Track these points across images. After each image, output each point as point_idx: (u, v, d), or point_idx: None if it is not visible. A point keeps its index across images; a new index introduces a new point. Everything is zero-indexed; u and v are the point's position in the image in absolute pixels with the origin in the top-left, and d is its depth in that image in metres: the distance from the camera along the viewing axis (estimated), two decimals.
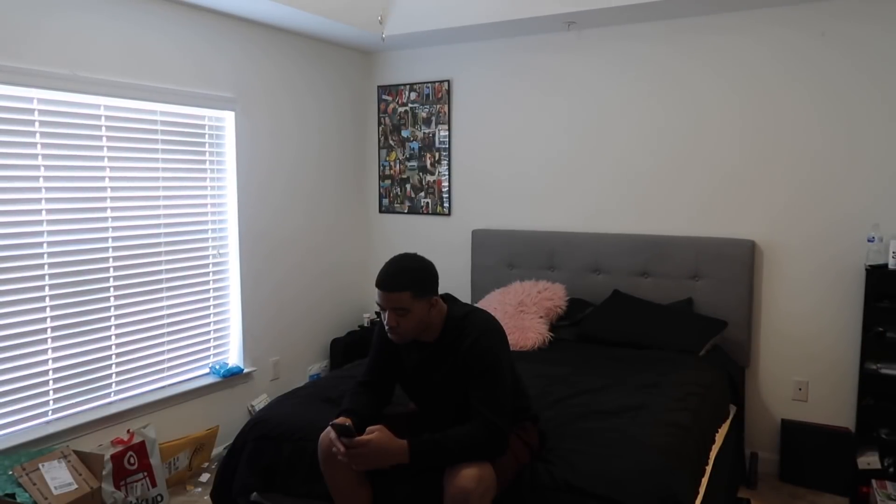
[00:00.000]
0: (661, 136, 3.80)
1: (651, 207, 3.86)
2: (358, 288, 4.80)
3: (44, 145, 2.92)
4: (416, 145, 4.60)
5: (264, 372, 4.03)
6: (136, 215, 3.32)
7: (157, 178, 3.41)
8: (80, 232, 3.08)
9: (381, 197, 4.79)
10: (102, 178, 3.16)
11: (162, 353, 3.50)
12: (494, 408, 1.99)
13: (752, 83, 3.55)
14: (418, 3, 4.01)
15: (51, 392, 3.01)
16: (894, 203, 3.28)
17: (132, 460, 3.08)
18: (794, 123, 3.47)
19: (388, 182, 4.75)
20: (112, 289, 3.23)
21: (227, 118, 3.76)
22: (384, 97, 4.69)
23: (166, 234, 3.48)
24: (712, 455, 2.61)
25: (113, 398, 3.27)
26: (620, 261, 3.86)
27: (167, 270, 3.50)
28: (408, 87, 4.59)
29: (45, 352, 2.98)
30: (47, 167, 2.94)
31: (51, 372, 3.01)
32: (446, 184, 4.51)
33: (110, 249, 3.22)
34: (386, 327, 2.09)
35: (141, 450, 3.12)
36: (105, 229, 3.19)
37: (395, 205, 4.73)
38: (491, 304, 3.77)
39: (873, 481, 3.12)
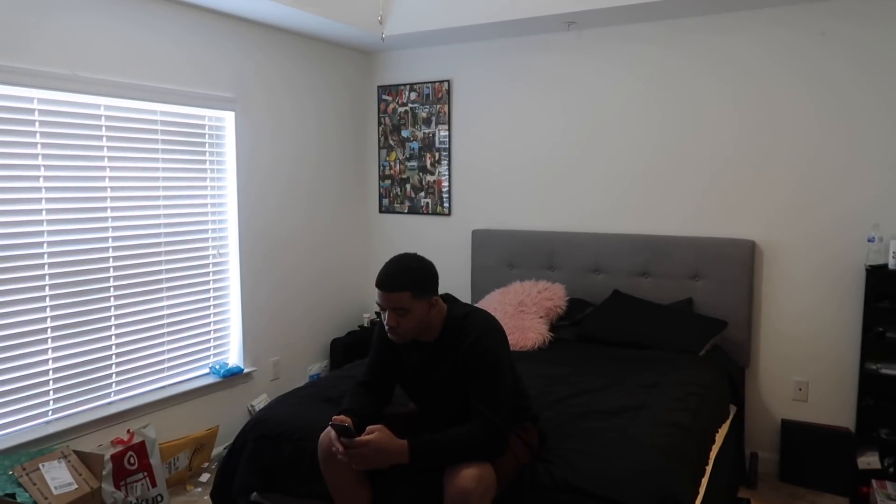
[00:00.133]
0: (661, 136, 3.80)
1: (651, 207, 3.86)
2: (358, 288, 4.80)
3: (44, 145, 2.92)
4: (416, 145, 4.60)
5: (264, 372, 4.03)
6: (136, 215, 3.32)
7: (157, 178, 3.41)
8: (80, 232, 3.08)
9: (381, 197, 4.79)
10: (102, 178, 3.16)
11: (162, 353, 3.50)
12: (494, 408, 1.99)
13: (753, 83, 3.55)
14: (418, 3, 4.01)
15: (51, 392, 3.02)
16: (894, 203, 3.28)
17: (132, 460, 3.08)
18: (793, 123, 3.47)
19: (388, 182, 4.75)
20: (112, 289, 3.23)
21: (227, 118, 3.76)
22: (384, 97, 4.69)
23: (166, 234, 3.48)
24: (712, 455, 2.61)
25: (113, 398, 3.27)
26: (620, 261, 3.86)
27: (167, 270, 3.50)
28: (408, 87, 4.59)
29: (45, 352, 2.98)
30: (47, 167, 2.94)
31: (51, 372, 3.01)
32: (446, 184, 4.51)
33: (110, 249, 3.22)
34: (386, 327, 2.09)
35: (141, 450, 3.12)
36: (105, 229, 3.19)
37: (395, 205, 4.73)
38: (491, 304, 3.77)
39: (873, 481, 3.12)
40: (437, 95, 4.48)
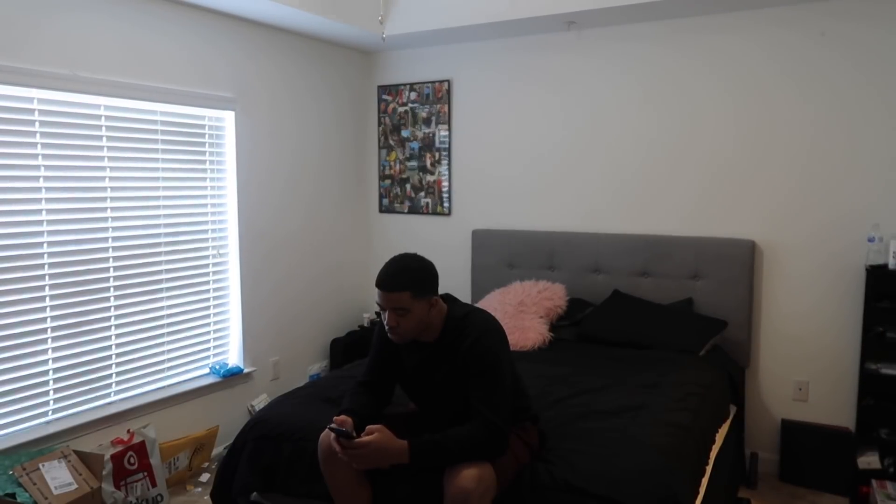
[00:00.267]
0: (661, 135, 3.80)
1: (651, 207, 3.86)
2: (358, 288, 4.80)
3: (44, 145, 2.92)
4: (416, 145, 4.60)
5: (264, 372, 4.03)
6: (136, 215, 3.32)
7: (157, 178, 3.41)
8: (80, 232, 3.08)
9: (381, 197, 4.79)
10: (102, 178, 3.16)
11: (162, 353, 3.50)
12: (494, 408, 1.99)
13: (752, 83, 3.55)
14: (418, 3, 4.01)
15: (51, 392, 3.02)
16: (894, 203, 3.28)
17: (132, 460, 3.08)
18: (793, 123, 3.47)
19: (388, 182, 4.75)
20: (112, 289, 3.23)
21: (227, 118, 3.76)
22: (384, 97, 4.69)
23: (166, 235, 3.48)
24: (712, 455, 2.61)
25: (113, 398, 3.27)
26: (620, 261, 3.86)
27: (167, 271, 3.50)
28: (408, 87, 4.59)
29: (45, 352, 2.98)
30: (47, 167, 2.94)
31: (51, 372, 3.01)
32: (446, 184, 4.51)
33: (110, 249, 3.22)
34: (386, 327, 2.09)
35: (141, 450, 3.12)
36: (105, 229, 3.19)
37: (395, 205, 4.73)
38: (491, 304, 3.77)
39: (873, 481, 3.12)
40: (437, 95, 4.48)
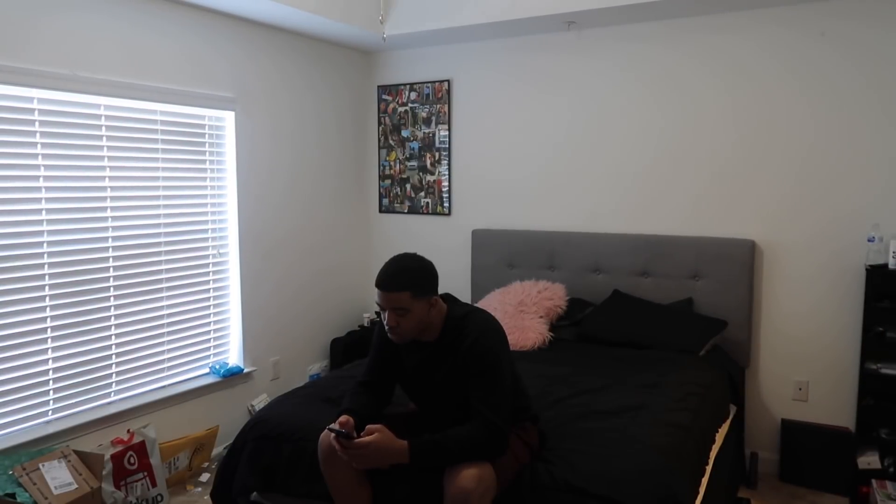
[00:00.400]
0: (661, 135, 3.80)
1: (651, 207, 3.86)
2: (358, 288, 4.80)
3: (44, 145, 2.92)
4: (416, 145, 4.60)
5: (264, 372, 4.03)
6: (136, 215, 3.32)
7: (157, 178, 3.41)
8: (80, 232, 3.08)
9: (381, 197, 4.79)
10: (102, 178, 3.16)
11: (162, 353, 3.50)
12: (494, 408, 1.99)
13: (753, 83, 3.55)
14: (418, 3, 4.01)
15: (51, 392, 3.01)
16: (894, 203, 3.28)
17: (132, 460, 3.08)
18: (793, 123, 3.47)
19: (388, 182, 4.75)
20: (112, 289, 3.23)
21: (227, 118, 3.76)
22: (384, 97, 4.69)
23: (166, 234, 3.48)
24: (712, 455, 2.61)
25: (113, 398, 3.27)
26: (620, 261, 3.86)
27: (167, 270, 3.50)
28: (408, 86, 4.59)
29: (45, 352, 2.98)
30: (47, 167, 2.94)
31: (51, 372, 3.01)
32: (446, 184, 4.51)
33: (110, 249, 3.22)
34: (386, 327, 2.09)
35: (141, 450, 3.12)
36: (105, 229, 3.19)
37: (395, 205, 4.73)
38: (491, 304, 3.77)
39: (873, 481, 3.12)
40: (437, 95, 4.48)
